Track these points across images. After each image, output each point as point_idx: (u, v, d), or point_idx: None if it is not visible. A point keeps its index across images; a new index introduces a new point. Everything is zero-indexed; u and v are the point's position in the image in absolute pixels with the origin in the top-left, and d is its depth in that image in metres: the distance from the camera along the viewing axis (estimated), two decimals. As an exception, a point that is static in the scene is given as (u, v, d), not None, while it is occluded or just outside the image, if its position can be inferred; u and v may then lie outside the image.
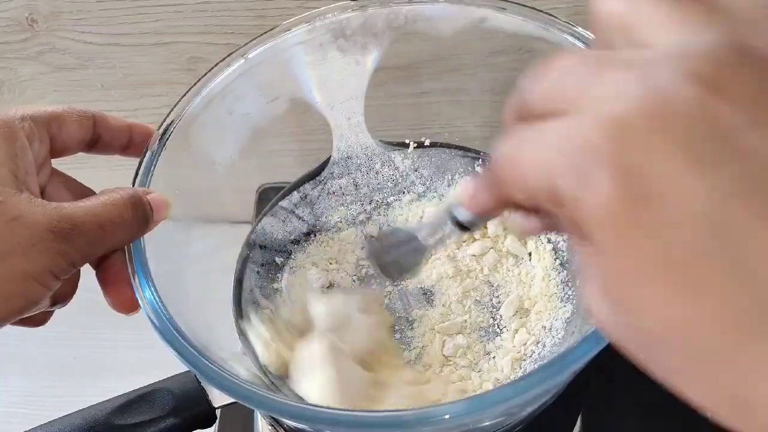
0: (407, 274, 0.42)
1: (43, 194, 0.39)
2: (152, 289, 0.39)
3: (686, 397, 0.22)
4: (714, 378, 0.21)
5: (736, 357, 0.20)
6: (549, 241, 0.52)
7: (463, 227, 0.33)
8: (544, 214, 0.27)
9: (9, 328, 0.36)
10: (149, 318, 0.38)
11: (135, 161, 0.44)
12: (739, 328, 0.20)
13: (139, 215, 0.39)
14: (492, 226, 0.53)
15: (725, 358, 0.20)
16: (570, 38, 0.47)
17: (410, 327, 0.50)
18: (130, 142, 0.44)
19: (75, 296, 0.40)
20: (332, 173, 0.57)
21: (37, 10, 0.65)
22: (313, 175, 0.57)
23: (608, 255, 0.22)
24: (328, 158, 0.56)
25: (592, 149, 0.21)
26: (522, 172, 0.24)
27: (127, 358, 0.72)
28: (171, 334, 0.38)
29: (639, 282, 0.21)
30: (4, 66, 0.69)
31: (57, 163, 0.42)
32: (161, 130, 0.45)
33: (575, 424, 0.54)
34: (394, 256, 0.42)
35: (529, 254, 0.53)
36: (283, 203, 0.56)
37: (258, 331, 0.48)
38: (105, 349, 0.74)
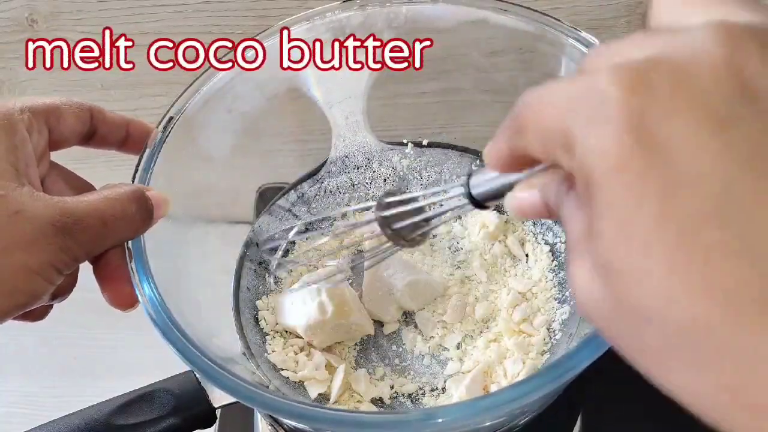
0: (409, 243, 0.38)
1: (42, 187, 0.39)
2: (152, 285, 0.39)
3: (669, 387, 0.21)
4: (706, 365, 0.20)
5: (738, 342, 0.19)
6: (546, 242, 0.52)
7: (474, 201, 0.31)
8: (551, 182, 0.26)
9: (10, 329, 0.36)
10: (149, 315, 0.38)
11: (135, 162, 0.44)
12: (745, 310, 0.19)
13: (143, 211, 0.38)
14: (493, 225, 0.53)
15: (725, 341, 0.19)
16: (570, 39, 0.47)
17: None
18: (128, 138, 0.43)
19: (75, 296, 0.40)
20: (330, 172, 0.57)
21: (37, 10, 0.65)
22: (311, 174, 0.57)
23: (609, 209, 0.21)
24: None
25: (608, 96, 0.21)
26: (540, 115, 0.24)
27: (127, 358, 0.72)
28: (171, 332, 0.37)
29: (638, 243, 0.20)
30: (4, 66, 0.69)
31: (56, 160, 0.42)
32: (161, 127, 0.45)
33: (575, 424, 0.54)
34: (400, 223, 0.38)
35: (526, 256, 0.53)
36: (281, 202, 0.56)
37: None
38: (105, 349, 0.74)
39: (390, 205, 0.38)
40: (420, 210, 0.37)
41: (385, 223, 0.38)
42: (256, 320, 0.51)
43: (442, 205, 0.35)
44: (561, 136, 0.22)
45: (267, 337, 0.50)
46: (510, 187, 0.28)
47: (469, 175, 0.31)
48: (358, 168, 0.57)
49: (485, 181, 0.31)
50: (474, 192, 0.31)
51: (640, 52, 0.21)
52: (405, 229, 0.38)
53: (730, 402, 0.19)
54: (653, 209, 0.20)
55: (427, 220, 0.37)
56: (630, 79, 0.21)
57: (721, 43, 0.20)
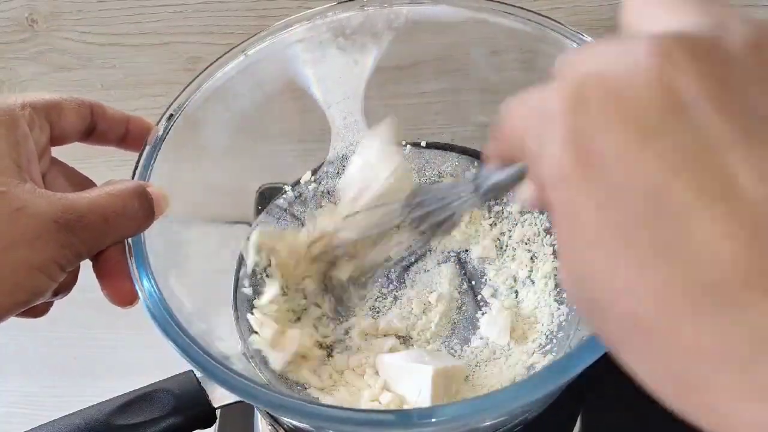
0: (438, 235, 0.42)
1: (43, 183, 0.39)
2: (152, 281, 0.39)
3: (636, 375, 0.22)
4: (656, 355, 0.21)
5: (674, 335, 0.20)
6: (550, 245, 0.52)
7: (487, 191, 0.34)
8: None
9: (10, 329, 0.36)
10: (148, 310, 0.38)
11: (135, 161, 0.44)
12: (674, 306, 0.20)
13: (144, 207, 0.38)
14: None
15: (664, 335, 0.20)
16: (569, 40, 0.47)
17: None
18: (128, 134, 0.43)
19: (76, 296, 0.40)
20: (327, 172, 0.57)
21: (37, 10, 0.65)
22: (311, 174, 0.57)
23: (560, 215, 0.23)
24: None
25: (552, 110, 0.23)
26: (506, 125, 0.27)
27: (127, 358, 0.72)
28: (171, 327, 0.37)
29: (585, 244, 0.22)
30: (4, 66, 0.69)
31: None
32: (161, 125, 0.45)
33: (575, 424, 0.54)
34: (427, 215, 0.42)
35: (535, 256, 0.53)
36: (279, 201, 0.56)
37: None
38: (105, 349, 0.74)
39: (417, 207, 0.42)
40: (443, 209, 0.40)
41: (414, 224, 0.42)
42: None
43: (459, 199, 0.38)
44: (520, 146, 0.25)
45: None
46: (516, 178, 0.31)
47: (478, 171, 0.35)
48: (356, 168, 0.57)
49: (492, 174, 0.33)
50: (484, 185, 0.34)
51: (587, 66, 0.23)
52: (434, 227, 0.41)
53: (674, 388, 0.21)
54: (591, 217, 0.21)
55: (449, 217, 0.40)
56: (569, 95, 0.22)
57: (655, 55, 0.21)
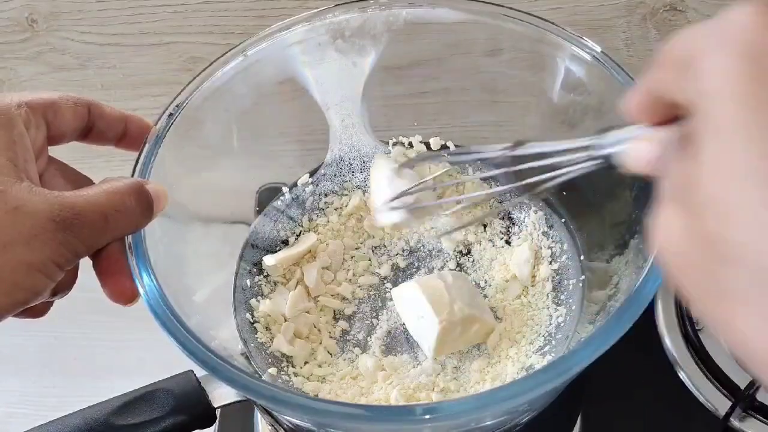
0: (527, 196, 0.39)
1: (40, 182, 0.39)
2: (152, 276, 0.38)
3: (730, 334, 0.20)
4: None
5: None
6: (549, 248, 0.52)
7: (608, 161, 0.31)
8: (669, 138, 0.25)
9: (10, 329, 0.36)
10: (149, 305, 0.38)
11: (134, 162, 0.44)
12: None
13: (142, 204, 0.38)
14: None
15: None
16: (567, 42, 0.47)
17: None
18: (126, 133, 0.43)
19: (76, 297, 0.40)
20: (324, 174, 0.57)
21: (37, 10, 0.65)
22: (310, 175, 0.57)
23: (717, 136, 0.20)
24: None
25: (739, 21, 0.21)
26: (675, 45, 0.24)
27: (127, 358, 0.72)
28: (171, 322, 0.37)
29: (738, 173, 0.19)
30: (4, 66, 0.69)
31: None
32: (160, 124, 0.45)
33: (575, 424, 0.54)
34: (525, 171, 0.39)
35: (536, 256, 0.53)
36: (276, 203, 0.56)
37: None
38: (105, 349, 0.74)
39: (521, 160, 0.38)
40: (551, 166, 0.37)
41: (515, 175, 0.38)
42: (251, 321, 0.51)
43: (572, 161, 0.35)
44: (688, 60, 0.22)
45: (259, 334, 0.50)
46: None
47: (603, 131, 0.32)
48: (353, 171, 0.57)
49: (617, 140, 0.31)
50: (605, 151, 0.31)
51: None
52: (535, 183, 0.38)
53: None
54: (763, 142, 0.19)
55: (555, 176, 0.37)
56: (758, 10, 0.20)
57: None
